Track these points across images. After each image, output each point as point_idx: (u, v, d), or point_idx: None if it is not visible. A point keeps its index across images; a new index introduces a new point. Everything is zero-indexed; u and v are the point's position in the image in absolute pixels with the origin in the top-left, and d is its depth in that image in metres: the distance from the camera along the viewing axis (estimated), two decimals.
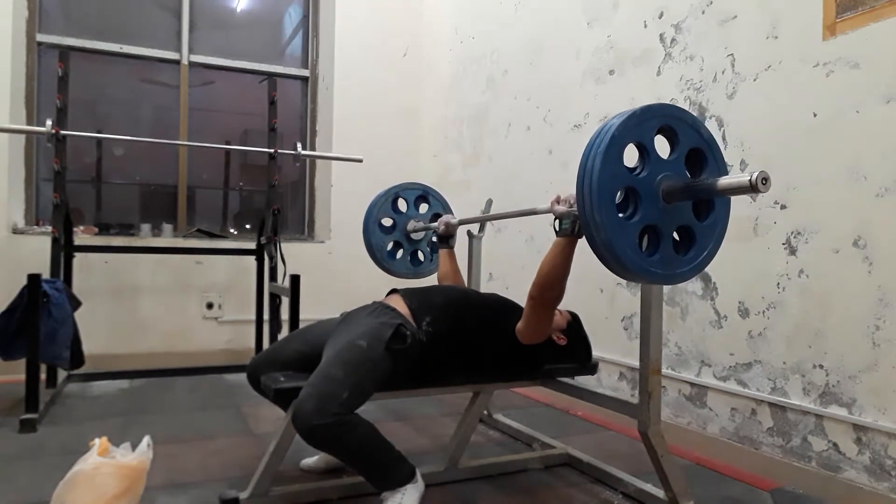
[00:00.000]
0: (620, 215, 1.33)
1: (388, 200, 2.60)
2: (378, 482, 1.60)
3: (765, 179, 1.22)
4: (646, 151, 1.37)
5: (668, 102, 1.43)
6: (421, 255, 2.66)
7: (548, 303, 1.75)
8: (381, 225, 2.59)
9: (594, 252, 1.35)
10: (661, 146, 1.40)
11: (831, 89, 1.88)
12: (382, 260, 2.58)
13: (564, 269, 1.69)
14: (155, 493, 1.78)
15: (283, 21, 4.49)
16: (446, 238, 2.38)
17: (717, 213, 1.45)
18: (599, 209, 1.28)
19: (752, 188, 1.24)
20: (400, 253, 2.62)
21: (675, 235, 1.43)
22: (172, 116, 3.99)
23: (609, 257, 1.33)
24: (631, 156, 1.35)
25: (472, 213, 3.73)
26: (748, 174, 1.24)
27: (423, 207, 2.66)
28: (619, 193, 1.34)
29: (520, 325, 1.81)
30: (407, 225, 2.61)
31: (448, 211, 2.66)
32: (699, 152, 1.43)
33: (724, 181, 1.32)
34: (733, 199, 2.15)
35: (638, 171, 1.36)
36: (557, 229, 1.70)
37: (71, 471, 1.50)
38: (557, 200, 1.73)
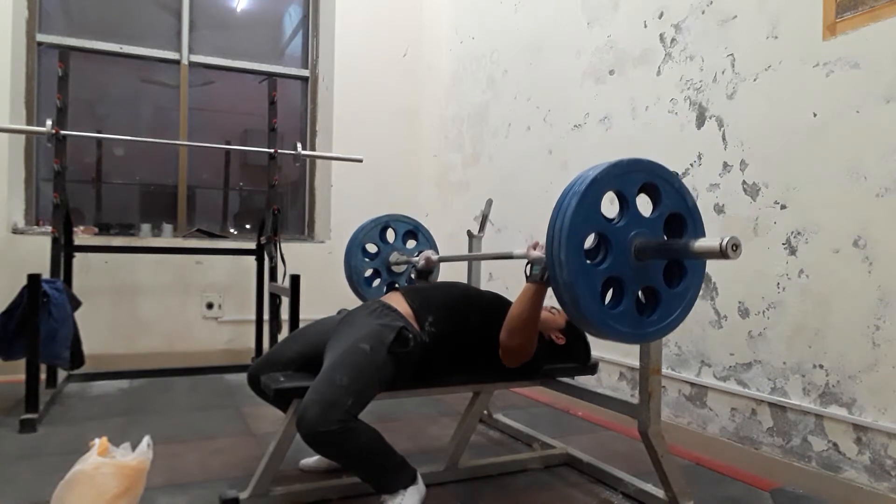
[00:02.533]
0: (588, 262, 1.31)
1: (377, 227, 2.60)
2: (378, 486, 1.60)
3: (735, 246, 1.21)
4: (626, 203, 1.36)
5: (658, 163, 1.40)
6: None
7: (514, 349, 1.77)
8: (364, 249, 2.59)
9: (555, 294, 1.33)
10: (645, 205, 1.38)
11: (831, 89, 1.88)
12: (358, 284, 2.57)
13: (531, 316, 1.68)
14: (155, 493, 1.78)
15: (283, 21, 4.49)
16: (426, 274, 2.40)
17: (690, 280, 1.42)
18: (566, 248, 1.27)
19: (721, 254, 1.22)
20: (377, 282, 2.61)
21: (641, 295, 1.40)
22: (172, 116, 3.99)
23: (568, 300, 1.30)
24: (611, 209, 1.34)
25: (471, 212, 3.74)
26: (718, 238, 1.23)
27: (411, 243, 2.66)
28: (591, 238, 1.32)
29: (500, 353, 1.82)
30: (390, 256, 2.60)
31: (435, 250, 2.65)
32: (680, 218, 1.41)
33: (696, 243, 1.29)
34: (732, 197, 2.17)
35: (614, 221, 1.35)
36: (528, 274, 1.70)
37: (71, 471, 1.50)
38: (534, 245, 1.73)
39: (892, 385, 1.71)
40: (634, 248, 1.34)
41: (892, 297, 1.71)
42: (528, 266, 1.71)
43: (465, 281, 2.63)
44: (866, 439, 1.76)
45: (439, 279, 2.57)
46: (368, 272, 2.59)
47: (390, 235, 2.63)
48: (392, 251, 2.62)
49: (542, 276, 1.65)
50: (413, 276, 2.55)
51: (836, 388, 1.85)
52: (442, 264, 2.55)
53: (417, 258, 2.44)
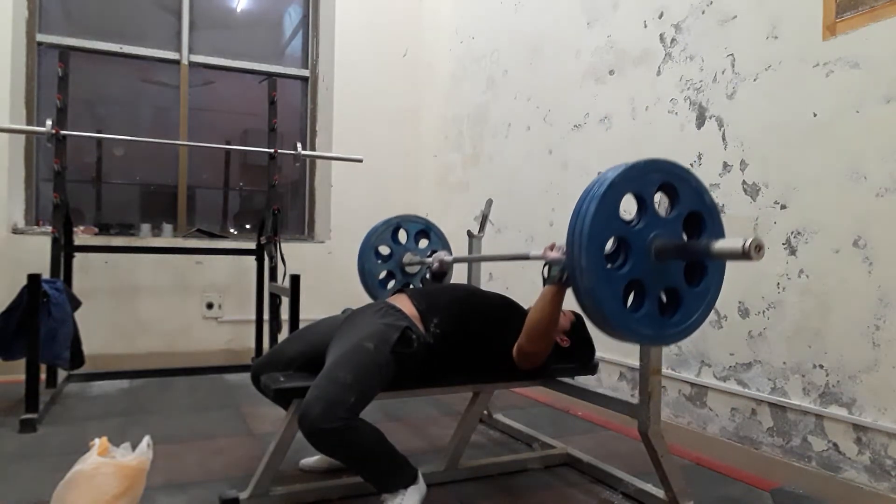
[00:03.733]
0: (609, 266, 1.30)
1: (388, 229, 2.59)
2: (379, 485, 1.60)
3: (758, 247, 1.20)
4: (644, 205, 1.35)
5: (675, 162, 1.41)
6: None
7: (534, 353, 1.76)
8: (377, 252, 2.58)
9: (577, 300, 1.32)
10: (662, 204, 1.38)
11: (831, 89, 1.88)
12: (373, 287, 2.55)
13: (552, 319, 1.67)
14: (155, 493, 1.78)
15: (283, 21, 4.49)
16: (440, 276, 2.40)
17: (710, 279, 1.41)
18: (587, 255, 1.25)
19: (743, 255, 1.21)
20: (392, 283, 2.61)
21: (663, 296, 1.39)
22: (172, 116, 3.99)
23: (590, 306, 1.29)
24: (629, 210, 1.33)
25: (471, 212, 3.73)
26: (741, 239, 1.21)
27: (423, 243, 2.65)
28: (610, 242, 1.32)
29: (514, 355, 1.81)
30: (403, 257, 2.59)
31: (448, 250, 2.65)
32: (699, 216, 1.40)
33: (717, 244, 1.28)
34: (732, 197, 2.17)
35: (633, 223, 1.34)
36: (546, 276, 1.68)
37: (71, 471, 1.50)
38: (551, 247, 1.71)
39: (892, 385, 1.71)
40: (654, 249, 1.33)
41: (892, 297, 1.71)
42: (546, 268, 1.69)
43: (465, 280, 2.63)
44: (866, 439, 1.76)
45: (453, 280, 2.57)
46: (382, 274, 2.58)
47: (402, 236, 2.62)
48: (405, 252, 2.60)
49: (560, 277, 1.63)
50: (428, 276, 2.53)
51: (836, 388, 1.85)
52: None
53: (431, 259, 2.43)
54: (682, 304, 1.39)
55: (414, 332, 1.72)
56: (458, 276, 2.70)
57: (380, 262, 2.58)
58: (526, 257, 1.93)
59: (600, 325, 1.33)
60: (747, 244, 1.20)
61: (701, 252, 1.32)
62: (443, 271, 2.40)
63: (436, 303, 1.86)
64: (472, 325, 1.85)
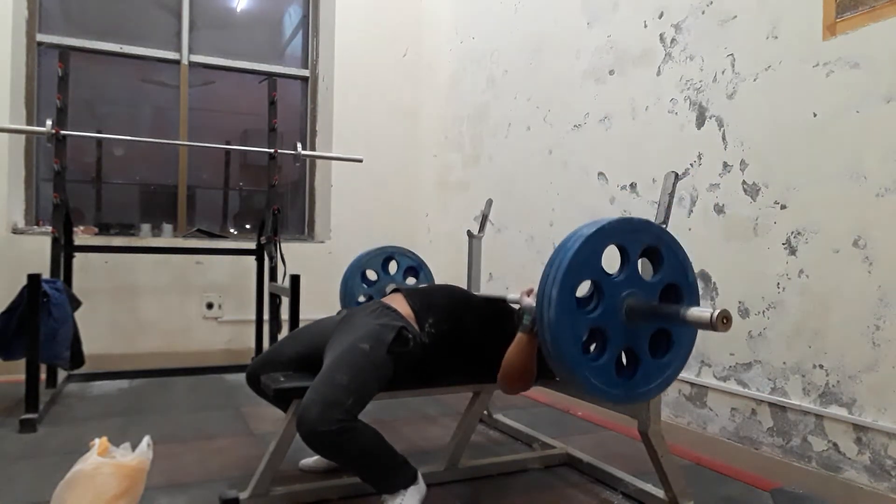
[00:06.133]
0: (578, 307, 1.30)
1: (381, 256, 2.62)
2: (379, 486, 1.60)
3: (725, 319, 1.21)
4: (627, 260, 1.35)
5: (668, 231, 1.42)
6: None
7: (511, 391, 1.75)
8: (364, 275, 2.59)
9: (539, 331, 1.31)
10: (645, 269, 1.39)
11: (831, 89, 1.88)
12: (349, 307, 2.51)
13: (524, 364, 1.64)
14: (155, 493, 1.78)
15: (283, 21, 4.49)
16: None
17: (675, 354, 1.41)
18: (559, 287, 1.26)
19: (710, 325, 1.22)
20: None
21: (623, 357, 1.39)
22: (172, 116, 3.99)
23: (549, 339, 1.28)
24: (612, 265, 1.33)
25: (471, 212, 3.73)
26: (710, 310, 1.24)
27: (411, 280, 2.67)
28: (586, 286, 1.31)
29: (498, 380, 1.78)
30: (387, 287, 2.58)
31: None
32: (678, 291, 1.40)
33: (687, 311, 1.28)
34: (732, 197, 2.17)
35: (613, 276, 1.34)
36: (518, 323, 1.66)
37: (71, 471, 1.50)
38: (528, 292, 1.69)
39: (892, 385, 1.71)
40: (626, 305, 1.33)
41: (892, 297, 1.71)
42: (521, 313, 1.66)
43: (465, 280, 2.63)
44: (866, 439, 1.76)
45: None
46: (362, 298, 2.58)
47: (392, 267, 2.64)
48: (390, 283, 2.61)
49: (531, 326, 1.58)
50: None
51: (836, 388, 1.85)
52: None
53: None
54: (639, 369, 1.38)
55: (410, 331, 1.71)
56: (459, 274, 2.71)
57: (364, 285, 2.59)
58: (503, 300, 1.96)
59: (554, 359, 1.31)
60: (714, 315, 1.21)
61: (670, 315, 1.32)
62: None
63: (431, 302, 1.86)
64: (467, 325, 1.85)
